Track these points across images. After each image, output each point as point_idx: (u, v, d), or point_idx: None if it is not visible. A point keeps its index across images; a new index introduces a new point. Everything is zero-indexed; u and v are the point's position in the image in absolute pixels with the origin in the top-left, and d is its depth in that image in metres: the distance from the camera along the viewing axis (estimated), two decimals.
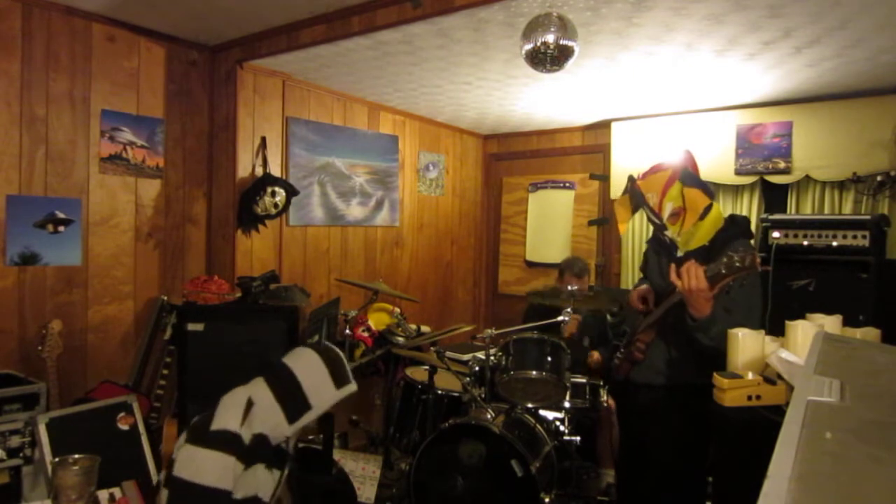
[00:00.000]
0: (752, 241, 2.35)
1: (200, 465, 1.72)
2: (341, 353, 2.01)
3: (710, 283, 1.98)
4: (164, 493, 1.76)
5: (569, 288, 3.66)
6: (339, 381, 1.93)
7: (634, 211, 2.46)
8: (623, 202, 2.48)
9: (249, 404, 1.83)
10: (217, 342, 2.81)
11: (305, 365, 1.92)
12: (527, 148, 5.47)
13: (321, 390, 1.89)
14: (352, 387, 1.96)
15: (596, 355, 3.46)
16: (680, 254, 2.26)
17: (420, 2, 2.59)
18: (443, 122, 5.12)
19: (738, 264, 1.90)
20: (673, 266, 2.09)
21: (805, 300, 3.22)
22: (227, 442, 1.75)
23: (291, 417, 1.85)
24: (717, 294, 2.01)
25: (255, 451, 1.80)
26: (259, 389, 1.87)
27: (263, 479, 1.83)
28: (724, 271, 1.94)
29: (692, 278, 2.00)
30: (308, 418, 1.88)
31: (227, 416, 1.80)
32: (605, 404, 3.07)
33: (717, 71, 3.38)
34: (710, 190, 2.26)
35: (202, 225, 3.58)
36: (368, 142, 4.38)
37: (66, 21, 2.94)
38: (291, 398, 1.86)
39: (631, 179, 2.42)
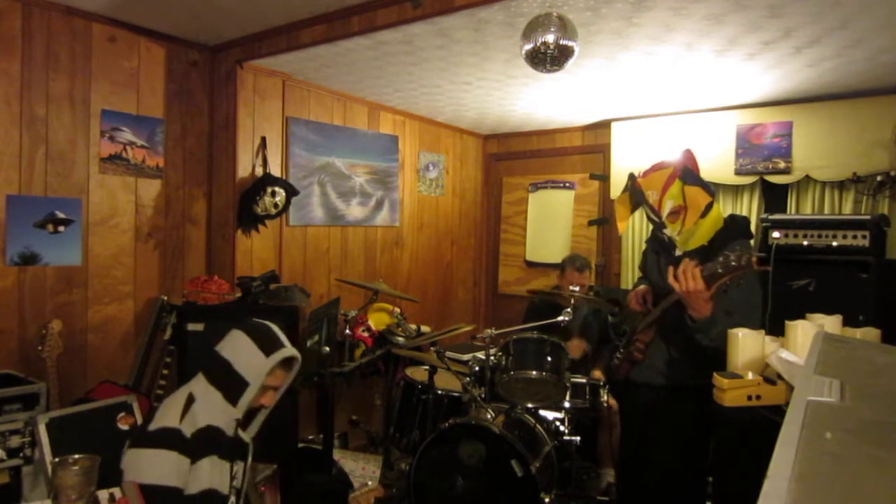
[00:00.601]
0: (752, 241, 2.34)
1: (141, 466, 1.72)
2: (269, 324, 2.01)
3: (708, 284, 1.98)
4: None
5: (570, 287, 3.68)
6: (268, 349, 1.92)
7: (634, 209, 2.45)
8: (623, 200, 2.47)
9: (190, 400, 1.84)
10: (217, 342, 2.81)
11: (232, 345, 1.93)
12: (527, 148, 5.47)
13: (251, 364, 1.89)
14: (286, 351, 1.94)
15: (598, 373, 3.45)
16: (678, 253, 2.26)
17: (420, 2, 2.59)
18: (443, 122, 5.12)
19: (734, 264, 1.91)
20: (671, 268, 2.09)
21: (805, 300, 3.22)
22: (165, 438, 1.74)
23: (232, 399, 1.85)
24: (715, 294, 2.01)
25: (201, 445, 1.79)
26: (197, 383, 1.89)
27: (218, 472, 1.82)
28: (720, 271, 1.95)
29: (689, 279, 2.00)
30: (250, 395, 1.87)
31: (165, 415, 1.81)
32: (606, 404, 3.07)
33: (717, 71, 3.38)
34: (711, 189, 2.25)
35: (202, 225, 3.58)
36: (368, 142, 4.39)
37: (66, 21, 2.93)
38: (227, 380, 1.87)
39: (631, 177, 2.41)
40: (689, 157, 2.33)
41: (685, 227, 2.20)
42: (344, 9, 2.85)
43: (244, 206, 3.45)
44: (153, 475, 1.70)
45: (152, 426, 1.78)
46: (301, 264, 3.90)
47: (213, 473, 1.80)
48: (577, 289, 3.69)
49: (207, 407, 1.83)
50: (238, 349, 1.91)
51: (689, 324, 2.08)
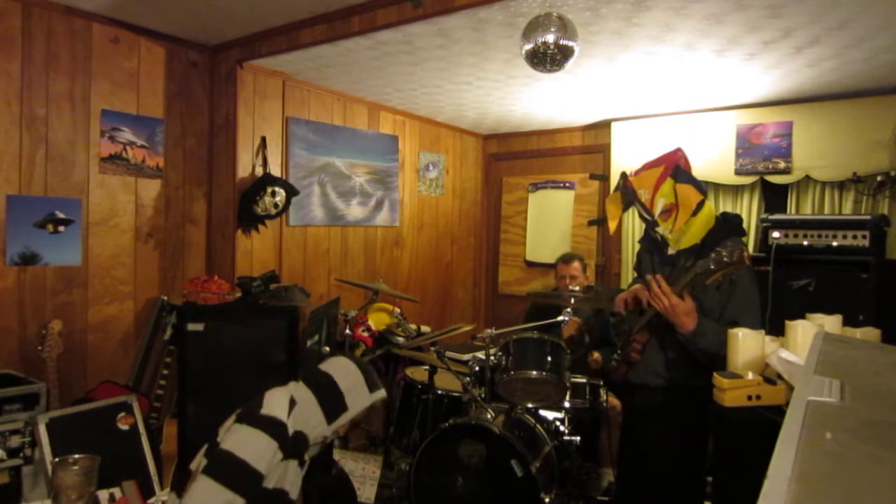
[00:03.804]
0: (745, 239, 2.35)
1: (243, 440, 1.78)
2: (369, 364, 2.14)
3: (683, 291, 2.03)
4: (200, 477, 1.77)
5: (565, 283, 3.72)
6: (372, 386, 2.04)
7: (626, 208, 2.46)
8: (614, 199, 2.46)
9: (292, 403, 1.90)
10: (217, 342, 2.81)
11: (342, 370, 2.03)
12: (527, 148, 5.47)
13: (357, 393, 2.00)
14: (382, 392, 2.07)
15: (596, 354, 3.46)
16: (671, 251, 2.26)
17: (420, 2, 2.59)
18: (443, 122, 5.12)
19: (726, 259, 1.93)
20: (646, 292, 2.13)
21: (805, 300, 3.21)
22: (274, 427, 1.81)
23: (330, 417, 1.94)
24: (708, 289, 2.03)
25: (294, 446, 1.86)
26: (300, 390, 1.95)
27: (293, 477, 1.89)
28: (712, 267, 1.96)
29: (662, 298, 2.06)
30: (343, 420, 1.97)
31: (276, 405, 1.87)
32: (607, 404, 3.07)
33: (717, 71, 3.38)
34: (703, 187, 2.25)
35: (202, 225, 3.58)
36: (368, 142, 4.38)
37: (66, 21, 2.93)
38: (330, 399, 1.96)
39: (623, 176, 2.41)
40: (681, 155, 2.32)
41: (677, 226, 2.21)
42: (344, 9, 2.85)
43: (244, 206, 3.45)
44: (249, 454, 1.75)
45: (264, 411, 1.84)
46: (301, 264, 3.90)
47: (289, 477, 1.87)
48: (577, 289, 3.70)
49: (306, 416, 1.91)
50: (347, 376, 2.01)
51: (679, 337, 2.12)
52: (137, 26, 3.18)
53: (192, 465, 1.89)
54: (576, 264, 3.86)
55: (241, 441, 1.77)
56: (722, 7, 2.51)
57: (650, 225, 2.32)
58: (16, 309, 2.81)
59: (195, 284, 3.20)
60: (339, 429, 2.00)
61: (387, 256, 4.63)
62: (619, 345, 2.50)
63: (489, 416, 2.80)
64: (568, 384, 2.89)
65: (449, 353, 3.18)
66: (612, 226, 2.49)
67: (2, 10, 2.73)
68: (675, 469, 2.26)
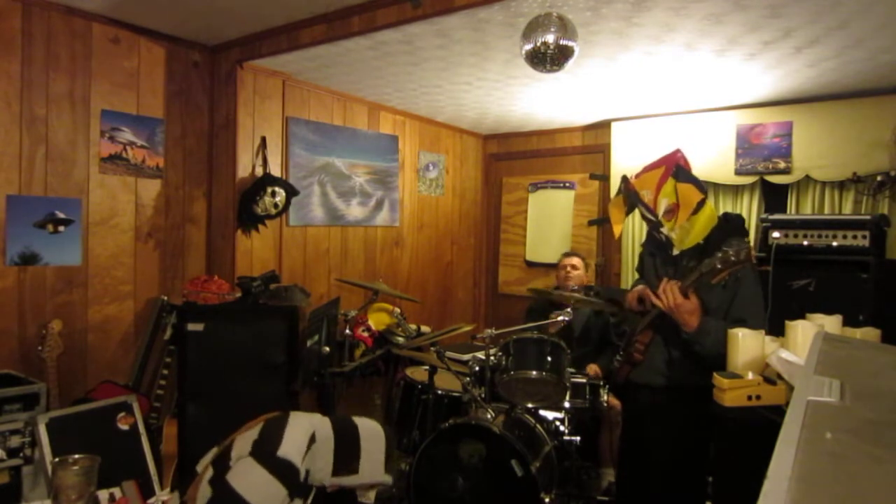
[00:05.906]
0: (747, 240, 2.36)
1: (253, 484, 1.73)
2: (394, 446, 2.10)
3: (686, 291, 2.07)
4: (205, 488, 1.76)
5: (565, 273, 3.75)
6: (387, 465, 1.99)
7: (629, 211, 2.47)
8: (617, 203, 2.48)
9: (312, 440, 1.86)
10: (217, 342, 2.81)
11: (371, 432, 1.98)
12: (527, 148, 5.47)
13: (371, 463, 1.95)
14: (389, 478, 2.01)
15: (595, 368, 3.45)
16: (675, 252, 2.27)
17: (420, 2, 2.59)
18: (443, 122, 5.12)
19: (732, 258, 1.96)
20: (649, 292, 2.20)
21: (805, 300, 3.22)
22: (287, 472, 1.76)
23: (336, 470, 1.90)
24: (714, 288, 2.06)
25: (304, 487, 1.83)
26: (324, 429, 1.91)
27: None
28: (719, 266, 1.99)
29: (669, 297, 2.11)
30: (346, 481, 1.92)
31: (294, 445, 1.82)
32: (607, 404, 3.07)
33: (717, 71, 3.38)
34: (703, 186, 2.28)
35: (202, 225, 3.58)
36: (368, 142, 4.38)
37: (66, 21, 2.93)
38: (346, 454, 1.91)
39: (624, 179, 2.43)
40: (680, 155, 2.34)
41: (679, 224, 2.23)
42: (344, 9, 2.85)
43: (244, 206, 3.45)
44: (256, 497, 1.71)
45: (282, 451, 1.78)
46: (301, 264, 3.90)
47: None
48: (576, 288, 3.70)
49: (318, 457, 1.87)
50: (372, 439, 1.97)
51: (684, 336, 2.15)
52: (137, 26, 3.18)
53: (199, 468, 1.87)
54: (575, 259, 3.90)
55: (251, 483, 1.73)
56: (722, 7, 2.51)
57: (654, 226, 2.33)
58: (16, 309, 2.81)
59: (195, 284, 3.20)
60: (333, 485, 1.93)
61: (387, 256, 4.62)
62: (622, 345, 2.50)
63: (489, 416, 2.80)
64: (568, 384, 2.89)
65: (449, 353, 3.18)
66: (617, 230, 2.51)
67: (2, 10, 2.73)
68: (677, 469, 2.26)
